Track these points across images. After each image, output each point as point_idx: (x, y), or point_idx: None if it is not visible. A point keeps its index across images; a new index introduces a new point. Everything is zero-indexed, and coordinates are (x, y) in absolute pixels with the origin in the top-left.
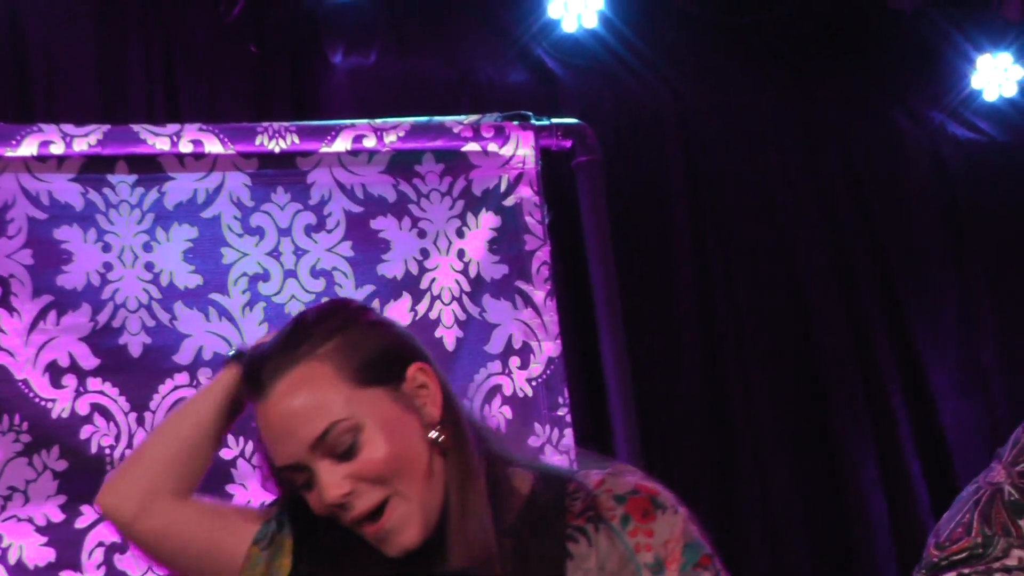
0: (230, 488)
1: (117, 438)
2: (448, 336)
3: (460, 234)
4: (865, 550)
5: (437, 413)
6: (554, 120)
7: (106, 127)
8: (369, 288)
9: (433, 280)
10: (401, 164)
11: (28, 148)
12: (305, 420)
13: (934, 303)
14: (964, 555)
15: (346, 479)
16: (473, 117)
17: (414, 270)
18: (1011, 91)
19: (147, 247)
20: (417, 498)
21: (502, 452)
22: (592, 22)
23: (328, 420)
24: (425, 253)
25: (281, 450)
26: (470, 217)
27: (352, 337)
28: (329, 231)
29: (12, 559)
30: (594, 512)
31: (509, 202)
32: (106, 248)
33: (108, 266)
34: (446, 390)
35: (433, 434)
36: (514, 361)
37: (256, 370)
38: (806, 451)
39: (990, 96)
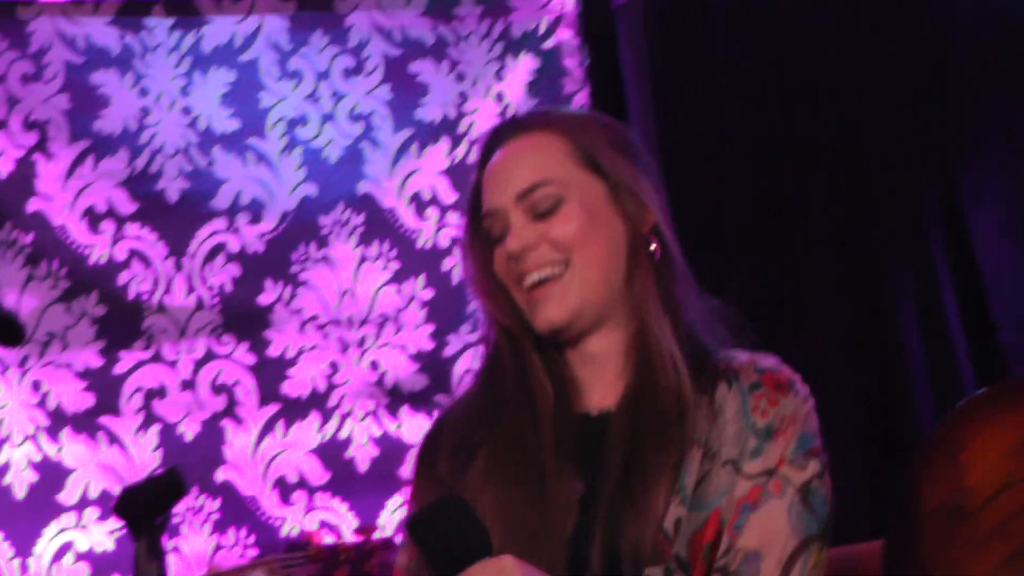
0: (266, 334)
1: (155, 283)
2: None
3: (499, 77)
4: (904, 394)
5: (654, 217)
6: None
7: None
8: (407, 132)
9: (472, 124)
10: (440, 6)
11: None
12: (519, 172)
13: (980, 137)
14: None
15: (533, 234)
16: None
17: (452, 114)
18: None
19: (185, 91)
20: (584, 280)
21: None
22: None
23: (539, 178)
24: (464, 96)
25: (491, 195)
26: (509, 60)
27: (598, 126)
28: (368, 74)
29: (51, 405)
30: (733, 373)
31: (548, 45)
32: (143, 92)
33: (145, 111)
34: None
35: (652, 246)
36: None
37: (502, 127)
38: (846, 300)
39: None
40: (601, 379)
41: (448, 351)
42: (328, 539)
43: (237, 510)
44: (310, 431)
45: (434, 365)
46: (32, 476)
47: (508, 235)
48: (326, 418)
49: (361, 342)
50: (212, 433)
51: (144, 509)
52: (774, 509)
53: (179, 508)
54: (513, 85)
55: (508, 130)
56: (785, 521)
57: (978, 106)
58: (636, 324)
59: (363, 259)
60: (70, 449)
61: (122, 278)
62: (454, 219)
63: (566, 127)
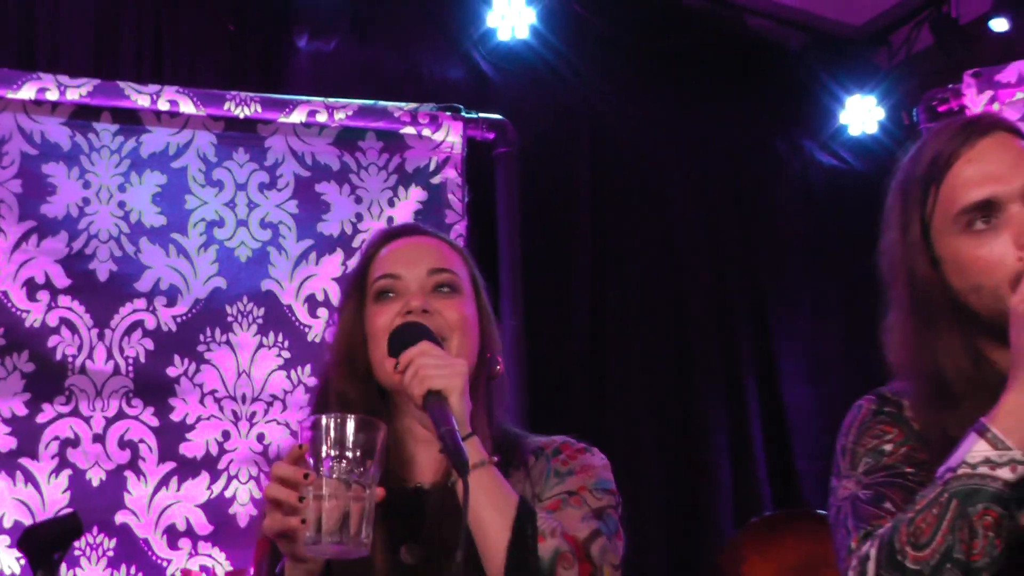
0: (171, 401)
1: (79, 349)
2: None
3: (391, 203)
4: (710, 504)
5: (499, 348)
6: (481, 114)
7: (96, 81)
8: (308, 242)
9: (363, 240)
10: (347, 139)
11: (27, 92)
12: (433, 254)
13: (793, 299)
14: None
15: (432, 304)
16: (412, 105)
17: (348, 230)
18: (873, 128)
19: (121, 188)
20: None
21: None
22: (524, 33)
23: (448, 265)
24: (360, 217)
25: (400, 264)
26: (401, 190)
27: (473, 260)
28: (279, 189)
29: None
30: (540, 449)
31: (436, 180)
32: (86, 185)
33: (86, 201)
34: None
35: (498, 363)
36: None
37: (405, 225)
38: (669, 417)
39: (855, 131)
40: (428, 454)
41: None
42: None
43: (131, 550)
44: (200, 488)
45: None
46: None
47: (407, 295)
48: (215, 478)
49: (251, 416)
50: (116, 481)
51: (43, 546)
52: (569, 514)
53: (80, 543)
54: (403, 211)
55: (411, 228)
56: (579, 519)
57: (792, 262)
58: None
59: (260, 346)
60: None
61: (52, 341)
62: None
63: (459, 249)
